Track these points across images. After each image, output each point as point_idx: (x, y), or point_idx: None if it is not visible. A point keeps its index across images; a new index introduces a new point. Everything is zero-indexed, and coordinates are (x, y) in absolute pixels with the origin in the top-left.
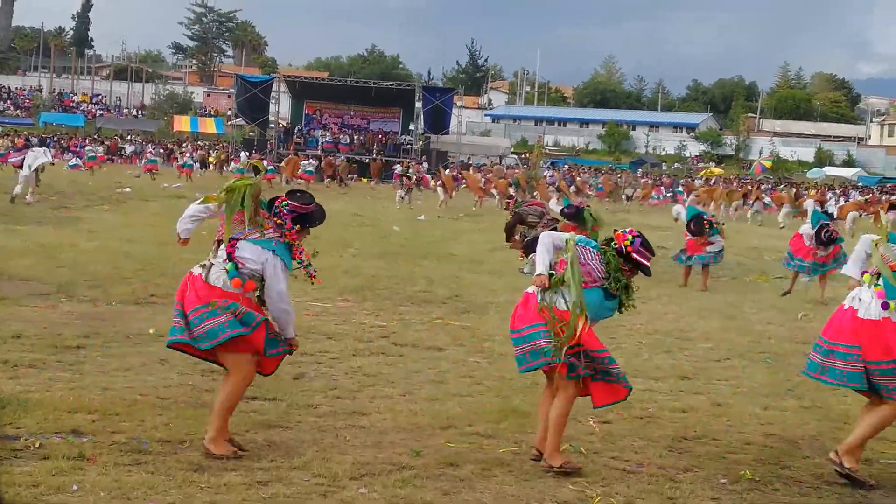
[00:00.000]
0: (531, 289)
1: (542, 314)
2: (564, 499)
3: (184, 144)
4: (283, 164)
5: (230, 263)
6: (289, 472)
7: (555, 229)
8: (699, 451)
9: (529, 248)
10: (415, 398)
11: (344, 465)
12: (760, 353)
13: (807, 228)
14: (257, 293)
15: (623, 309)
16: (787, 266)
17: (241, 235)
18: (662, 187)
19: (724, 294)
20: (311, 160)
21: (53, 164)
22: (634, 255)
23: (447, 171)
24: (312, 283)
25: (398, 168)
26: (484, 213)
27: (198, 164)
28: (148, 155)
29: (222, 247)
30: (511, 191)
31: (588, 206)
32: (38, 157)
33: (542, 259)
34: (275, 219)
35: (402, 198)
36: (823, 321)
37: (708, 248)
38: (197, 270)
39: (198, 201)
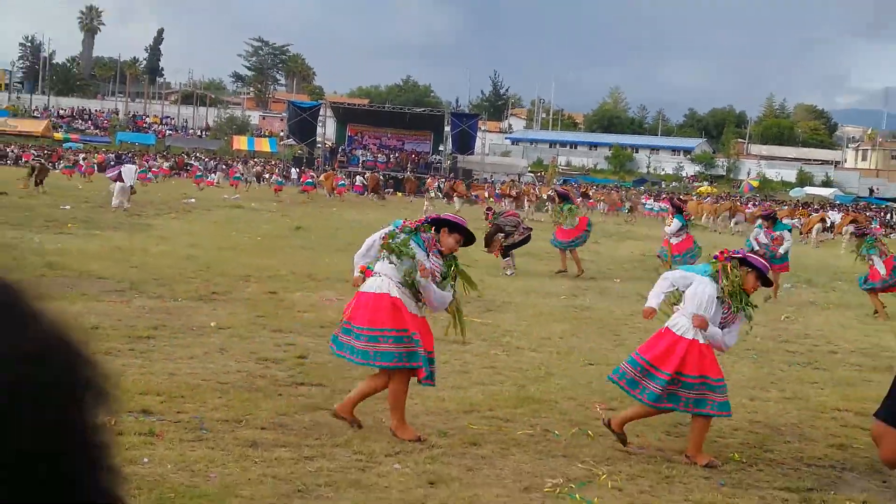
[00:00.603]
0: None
1: None
2: (575, 476)
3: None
4: (321, 178)
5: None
6: (332, 449)
7: (529, 238)
8: None
9: (507, 249)
10: (442, 386)
11: (380, 443)
12: (747, 349)
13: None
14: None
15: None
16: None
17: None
18: (658, 201)
19: None
20: (350, 175)
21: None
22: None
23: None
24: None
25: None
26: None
27: (254, 179)
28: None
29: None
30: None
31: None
32: (132, 172)
33: (655, 292)
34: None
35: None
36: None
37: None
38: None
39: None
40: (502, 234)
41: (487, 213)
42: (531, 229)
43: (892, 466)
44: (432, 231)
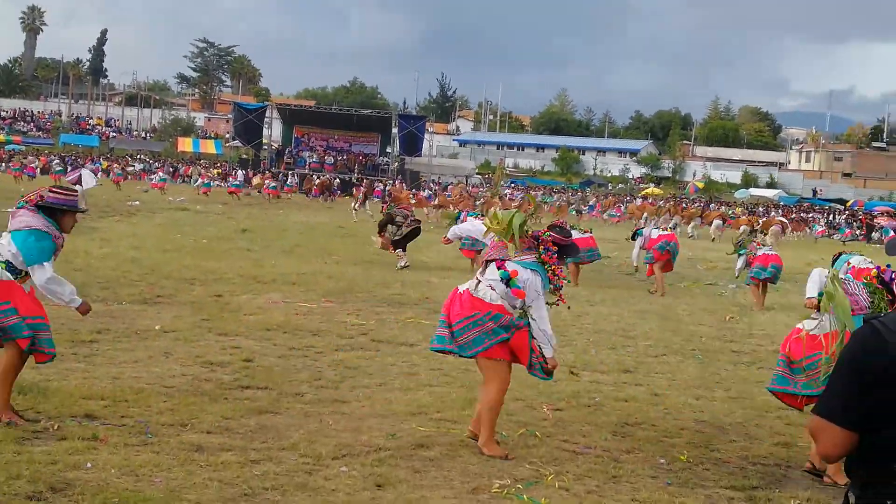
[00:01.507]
0: None
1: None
2: (522, 476)
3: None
4: (254, 180)
5: (504, 273)
6: (278, 453)
7: (418, 230)
8: (640, 435)
9: (398, 244)
10: (390, 388)
11: (327, 446)
12: (692, 350)
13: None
14: (519, 306)
15: None
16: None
17: (505, 257)
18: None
19: (662, 298)
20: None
21: (101, 184)
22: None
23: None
24: (559, 305)
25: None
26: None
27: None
28: (160, 174)
29: (490, 266)
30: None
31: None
32: (91, 176)
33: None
34: (539, 246)
35: (356, 209)
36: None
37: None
38: (463, 286)
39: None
40: (394, 226)
41: (383, 206)
42: (419, 221)
43: (829, 461)
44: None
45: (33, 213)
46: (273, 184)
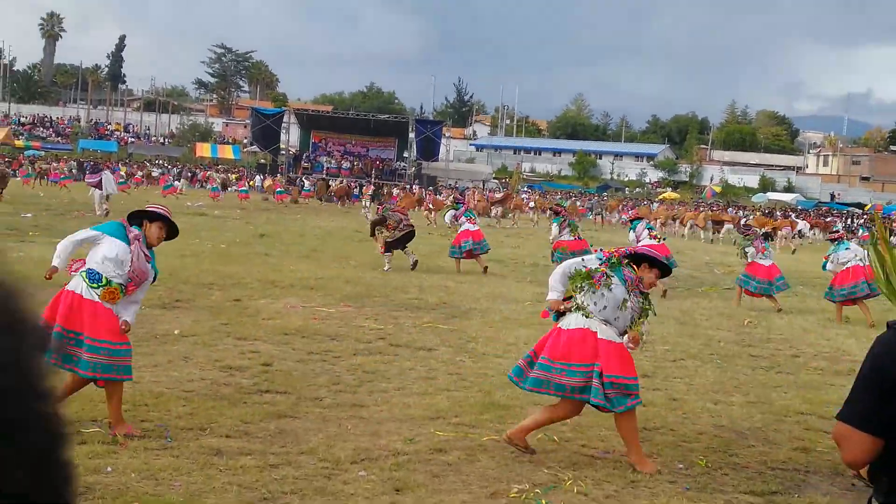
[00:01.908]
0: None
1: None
2: (540, 481)
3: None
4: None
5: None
6: (297, 457)
7: (411, 233)
8: (658, 440)
9: (391, 246)
10: (408, 392)
11: (346, 450)
12: (710, 354)
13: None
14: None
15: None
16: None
17: None
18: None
19: (679, 302)
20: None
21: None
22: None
23: (440, 196)
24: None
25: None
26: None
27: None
28: (168, 179)
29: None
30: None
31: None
32: (111, 181)
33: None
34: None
35: (366, 207)
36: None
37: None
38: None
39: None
40: (384, 227)
41: (378, 208)
42: (413, 226)
43: (854, 468)
44: (634, 268)
45: (122, 220)
46: (281, 189)
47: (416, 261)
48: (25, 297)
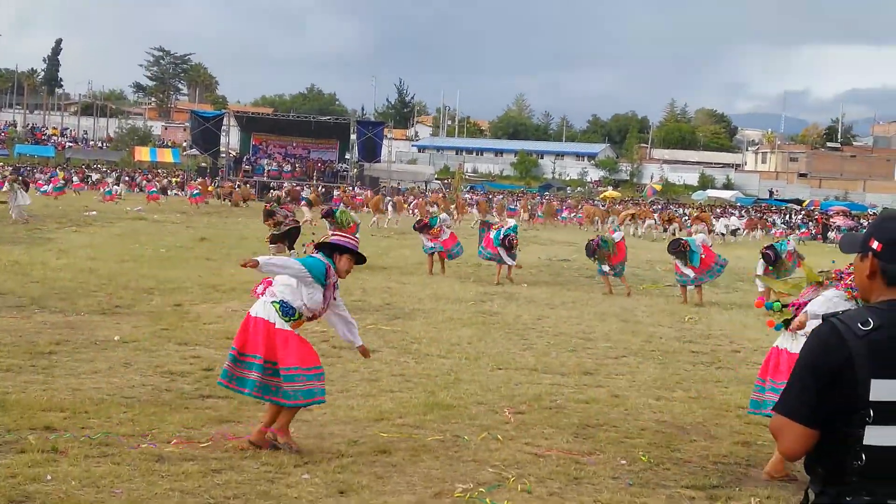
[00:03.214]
0: None
1: None
2: (484, 480)
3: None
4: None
5: None
6: (240, 462)
7: (297, 230)
8: (601, 436)
9: (276, 238)
10: (351, 394)
11: (289, 454)
12: (652, 351)
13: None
14: None
15: None
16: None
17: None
18: (567, 209)
19: (621, 300)
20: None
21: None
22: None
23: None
24: None
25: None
26: (410, 231)
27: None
28: (108, 185)
29: None
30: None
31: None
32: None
33: None
34: None
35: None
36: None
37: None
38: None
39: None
40: (272, 221)
41: (267, 205)
42: (299, 223)
43: (791, 459)
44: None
45: (314, 252)
46: (196, 191)
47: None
48: None
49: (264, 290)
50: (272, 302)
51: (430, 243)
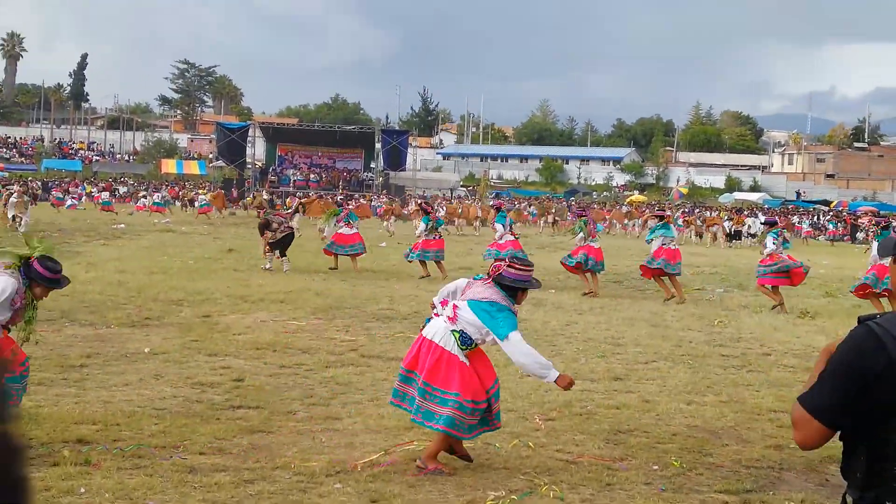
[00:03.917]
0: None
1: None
2: (516, 487)
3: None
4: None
5: None
6: (272, 472)
7: (291, 235)
8: (632, 442)
9: (274, 246)
10: (382, 403)
11: (321, 463)
12: (682, 355)
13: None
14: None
15: None
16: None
17: None
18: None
19: (650, 304)
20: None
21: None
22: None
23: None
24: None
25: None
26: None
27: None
28: (155, 197)
29: None
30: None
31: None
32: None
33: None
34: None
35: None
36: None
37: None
38: None
39: None
40: (270, 232)
41: (259, 212)
42: (293, 229)
43: (805, 449)
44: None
45: (490, 285)
46: (204, 202)
47: (271, 268)
48: None
49: (454, 316)
50: (453, 331)
51: (416, 251)
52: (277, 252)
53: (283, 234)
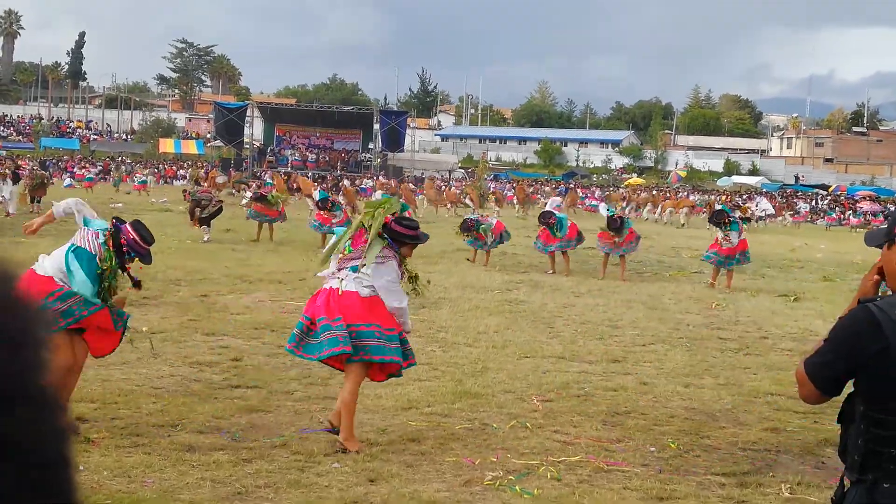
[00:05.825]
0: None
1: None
2: (514, 468)
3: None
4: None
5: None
6: (270, 451)
7: (220, 209)
8: (629, 424)
9: (203, 221)
10: (379, 383)
11: (319, 443)
12: (679, 338)
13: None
14: None
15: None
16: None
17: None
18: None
19: (648, 287)
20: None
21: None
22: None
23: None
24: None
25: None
26: (437, 220)
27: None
28: (138, 175)
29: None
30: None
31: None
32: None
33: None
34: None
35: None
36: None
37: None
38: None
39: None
40: (199, 208)
41: (185, 194)
42: (222, 202)
43: (806, 402)
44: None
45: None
46: (141, 178)
47: (210, 240)
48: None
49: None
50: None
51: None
52: (206, 227)
53: (216, 209)
